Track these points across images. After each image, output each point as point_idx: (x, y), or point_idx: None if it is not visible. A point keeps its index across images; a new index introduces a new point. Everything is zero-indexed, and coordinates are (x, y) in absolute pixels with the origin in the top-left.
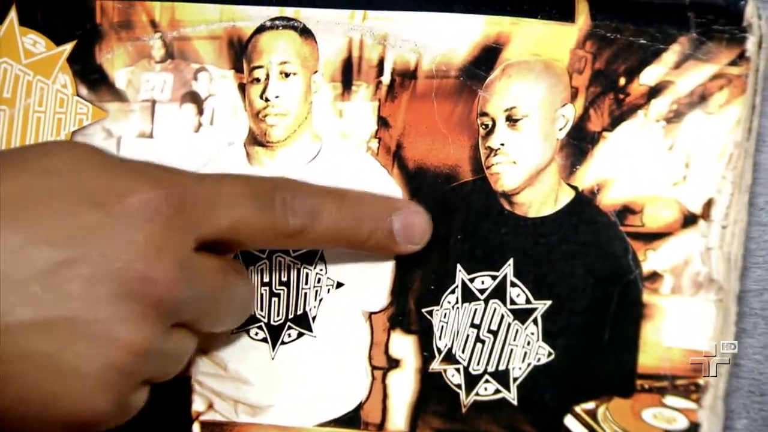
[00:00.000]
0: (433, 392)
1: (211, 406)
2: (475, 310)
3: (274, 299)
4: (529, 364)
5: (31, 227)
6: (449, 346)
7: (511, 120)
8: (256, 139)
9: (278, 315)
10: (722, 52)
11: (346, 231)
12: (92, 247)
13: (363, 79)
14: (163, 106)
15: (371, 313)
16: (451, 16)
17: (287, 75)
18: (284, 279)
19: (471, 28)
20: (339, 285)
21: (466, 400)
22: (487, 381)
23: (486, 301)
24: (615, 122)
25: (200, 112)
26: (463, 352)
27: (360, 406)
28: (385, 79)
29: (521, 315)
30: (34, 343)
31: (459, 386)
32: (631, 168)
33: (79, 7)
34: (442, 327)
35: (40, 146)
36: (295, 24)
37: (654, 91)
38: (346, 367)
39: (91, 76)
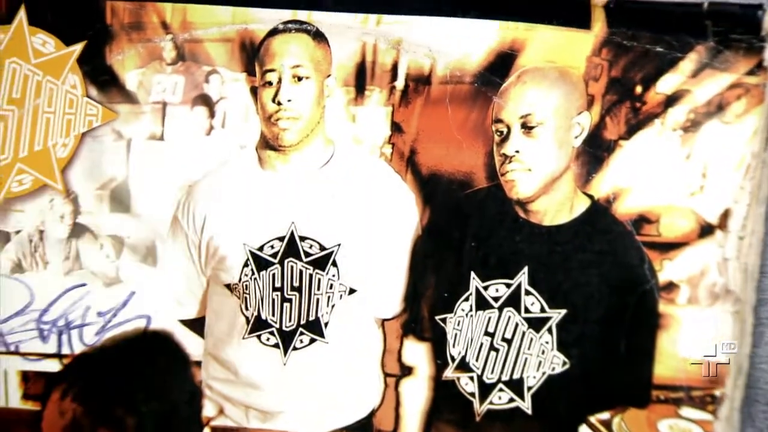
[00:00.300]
0: (446, 400)
1: (221, 411)
2: (489, 318)
3: (286, 305)
4: (543, 374)
5: None
6: (463, 354)
7: (527, 127)
8: (268, 143)
9: (290, 320)
10: (740, 62)
11: None
12: None
13: (376, 84)
14: (174, 109)
15: (384, 320)
16: (465, 22)
17: (300, 79)
18: (296, 284)
19: (485, 33)
20: (351, 291)
21: (479, 408)
22: (501, 390)
23: (500, 309)
24: (631, 131)
25: (212, 114)
26: (477, 360)
27: (372, 413)
28: (399, 84)
29: (536, 324)
30: None
31: (473, 394)
32: (648, 177)
33: (89, 7)
34: (456, 335)
35: None
36: (308, 27)
37: (671, 100)
38: (358, 373)
39: (102, 77)
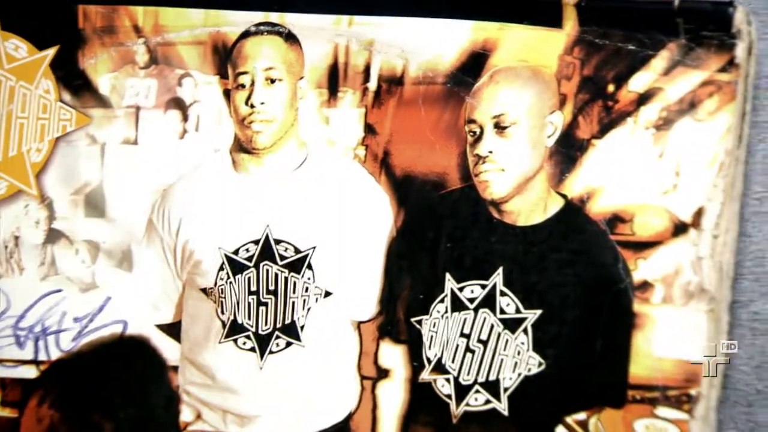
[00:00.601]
0: (423, 403)
1: (199, 417)
2: (465, 319)
3: (262, 308)
4: (519, 374)
5: None
6: (439, 356)
7: (500, 127)
8: (242, 146)
9: (266, 324)
10: (711, 59)
11: None
12: None
13: (349, 86)
14: (147, 113)
15: (360, 323)
16: (437, 22)
17: (273, 81)
18: (272, 288)
19: (458, 33)
20: (327, 294)
21: (456, 410)
22: (477, 391)
23: (476, 310)
24: (604, 129)
25: (185, 118)
26: (453, 362)
27: (350, 416)
28: (372, 85)
29: (511, 324)
30: None
31: (449, 396)
32: (621, 176)
33: (62, 12)
34: (432, 336)
35: None
36: (280, 29)
37: (643, 98)
38: (335, 377)
39: (75, 82)
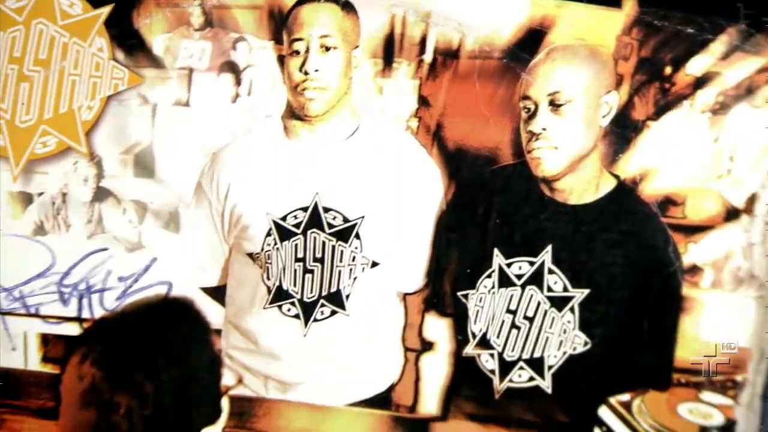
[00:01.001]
0: (466, 377)
1: (240, 381)
2: (512, 295)
3: (308, 276)
4: (564, 353)
5: None
6: (484, 330)
7: (554, 105)
8: (294, 113)
9: (311, 292)
10: None
11: None
12: None
13: (404, 57)
14: (200, 75)
15: (406, 294)
16: None
17: (328, 49)
18: (318, 255)
19: (516, 9)
20: (374, 264)
21: (499, 386)
22: (521, 368)
23: (523, 287)
24: (660, 111)
25: (238, 82)
26: (498, 337)
27: (392, 387)
28: (427, 57)
29: (558, 303)
30: None
31: (493, 372)
32: (675, 159)
33: None
34: (478, 311)
35: None
36: None
37: (700, 82)
38: (379, 347)
39: (129, 41)
